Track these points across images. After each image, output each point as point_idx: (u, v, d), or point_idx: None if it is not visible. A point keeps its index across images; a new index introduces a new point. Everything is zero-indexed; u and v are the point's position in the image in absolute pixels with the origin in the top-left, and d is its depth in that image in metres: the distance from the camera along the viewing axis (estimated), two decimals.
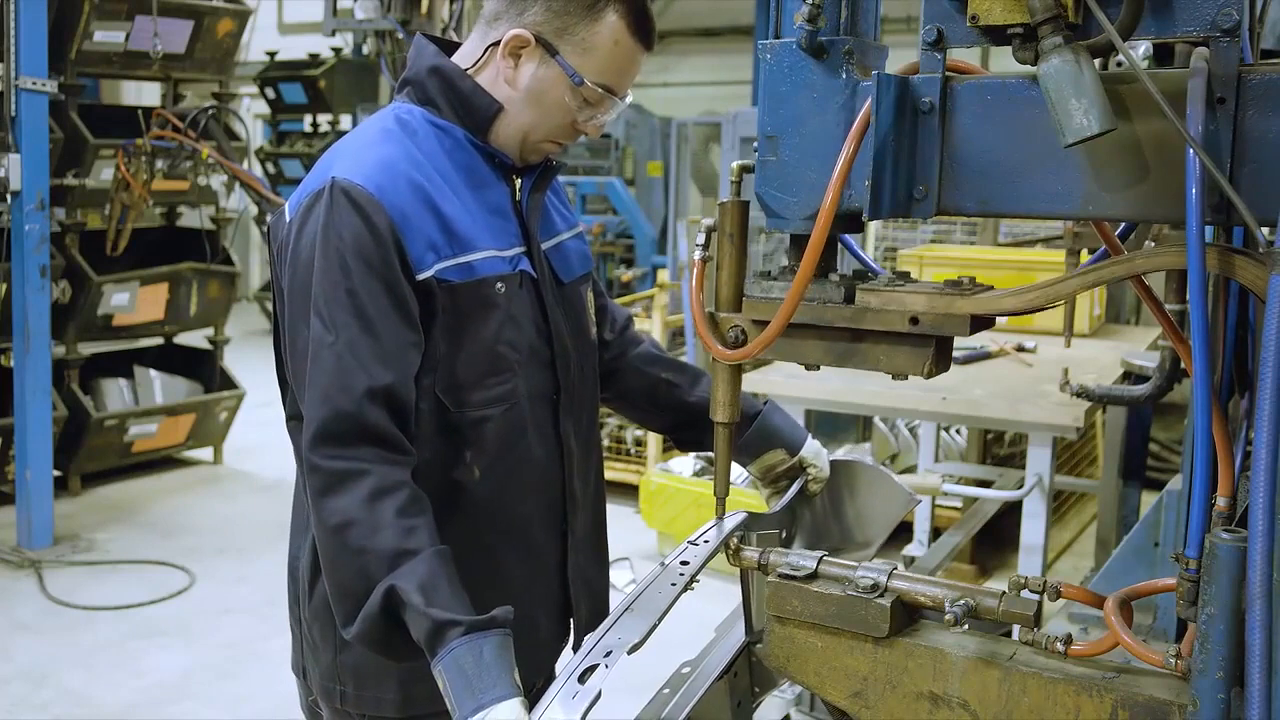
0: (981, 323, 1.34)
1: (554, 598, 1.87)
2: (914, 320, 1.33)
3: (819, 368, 1.45)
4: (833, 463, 2.04)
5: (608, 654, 1.44)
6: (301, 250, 1.65)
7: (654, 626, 1.50)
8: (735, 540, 1.68)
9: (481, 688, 1.42)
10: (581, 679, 1.41)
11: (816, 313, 1.38)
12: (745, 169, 1.45)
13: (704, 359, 6.25)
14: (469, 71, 1.76)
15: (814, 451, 2.00)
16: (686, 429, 2.05)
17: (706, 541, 1.67)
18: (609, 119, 1.79)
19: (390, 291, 1.61)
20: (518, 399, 1.75)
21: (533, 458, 1.79)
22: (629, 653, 1.45)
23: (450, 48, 1.81)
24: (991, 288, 1.33)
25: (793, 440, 1.99)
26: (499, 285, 1.70)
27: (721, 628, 1.82)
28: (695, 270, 1.53)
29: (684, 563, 1.63)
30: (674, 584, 1.59)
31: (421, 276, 1.64)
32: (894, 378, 1.39)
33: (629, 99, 1.78)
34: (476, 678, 1.43)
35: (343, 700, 1.77)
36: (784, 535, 1.89)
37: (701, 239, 1.55)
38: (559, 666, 1.50)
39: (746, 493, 2.19)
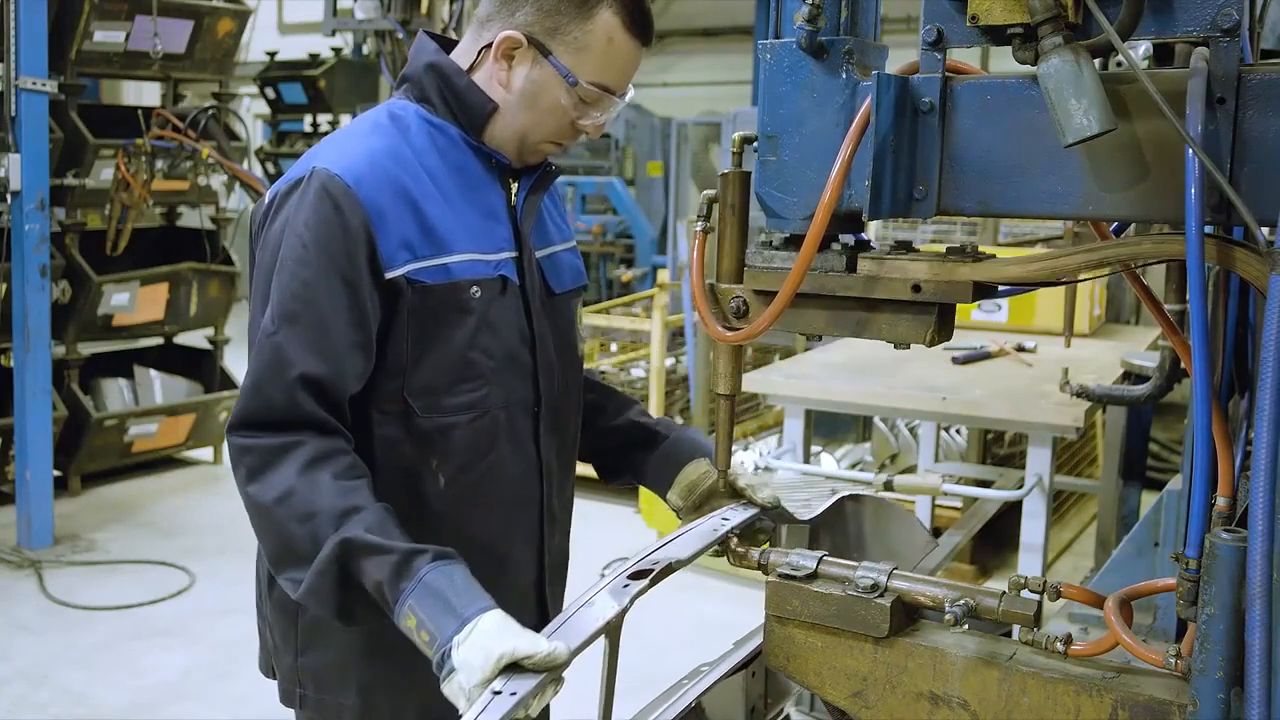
0: (984, 290, 1.33)
1: (528, 620, 1.73)
2: (916, 288, 1.32)
3: (820, 338, 1.45)
4: (862, 498, 2.03)
5: (656, 563, 1.52)
6: (271, 236, 1.61)
7: (699, 552, 1.59)
8: (735, 539, 1.67)
9: (461, 605, 1.40)
10: (631, 578, 1.48)
11: (819, 282, 1.37)
12: (746, 139, 1.44)
13: (704, 355, 6.24)
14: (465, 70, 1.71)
15: (745, 473, 1.82)
16: (602, 455, 1.96)
17: (745, 508, 1.73)
18: (609, 118, 1.74)
19: (348, 288, 1.57)
20: (490, 408, 1.69)
21: (505, 470, 1.73)
22: (676, 566, 1.54)
23: (452, 46, 1.76)
24: (994, 256, 1.33)
25: (709, 448, 1.83)
26: (474, 289, 1.65)
27: (740, 641, 1.82)
28: (696, 241, 1.52)
29: (725, 519, 1.70)
30: (716, 530, 1.66)
31: (391, 275, 1.59)
32: (896, 346, 1.39)
33: (630, 95, 1.73)
34: (454, 597, 1.41)
35: (302, 704, 1.74)
36: None
37: (703, 211, 1.54)
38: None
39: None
